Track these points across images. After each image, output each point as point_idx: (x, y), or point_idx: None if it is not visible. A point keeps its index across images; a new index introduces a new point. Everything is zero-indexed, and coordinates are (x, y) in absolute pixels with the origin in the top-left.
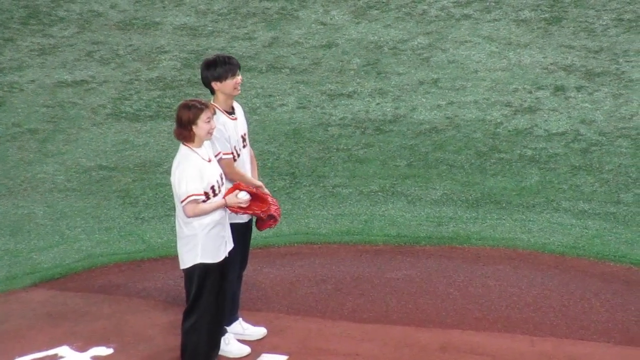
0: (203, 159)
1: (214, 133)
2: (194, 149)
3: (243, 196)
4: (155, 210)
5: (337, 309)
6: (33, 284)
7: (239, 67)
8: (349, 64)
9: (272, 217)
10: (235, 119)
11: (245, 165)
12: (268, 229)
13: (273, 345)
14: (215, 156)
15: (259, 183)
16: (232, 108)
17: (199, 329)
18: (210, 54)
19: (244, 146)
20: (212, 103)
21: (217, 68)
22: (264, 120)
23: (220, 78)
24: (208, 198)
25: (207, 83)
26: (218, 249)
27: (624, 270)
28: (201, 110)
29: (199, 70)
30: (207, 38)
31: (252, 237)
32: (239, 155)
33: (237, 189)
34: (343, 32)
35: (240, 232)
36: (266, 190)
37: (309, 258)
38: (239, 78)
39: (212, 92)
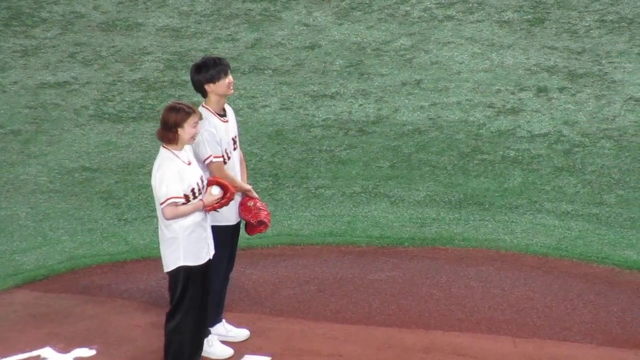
0: (183, 161)
1: (205, 135)
2: (174, 151)
3: (215, 191)
4: (138, 212)
5: (320, 310)
6: (16, 286)
7: (229, 67)
8: (331, 65)
9: (262, 223)
10: (227, 121)
11: (236, 168)
12: (258, 233)
13: (256, 346)
14: (206, 159)
15: (248, 187)
16: (224, 110)
17: (183, 331)
18: (194, 55)
19: (234, 149)
20: (205, 105)
21: (210, 70)
22: (247, 121)
23: (213, 79)
24: (188, 200)
25: (199, 86)
26: (200, 251)
27: (607, 271)
28: (189, 115)
29: (188, 74)
30: (190, 39)
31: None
32: (229, 158)
33: (209, 185)
34: (326, 33)
35: (229, 234)
36: (255, 194)
37: (292, 259)
38: (230, 77)
39: (204, 95)
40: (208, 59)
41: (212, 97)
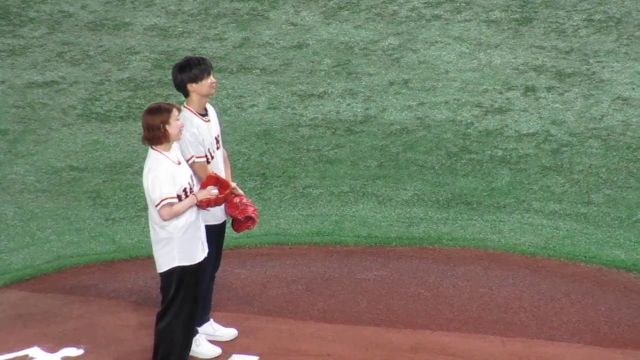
0: (173, 161)
1: (187, 137)
2: (163, 152)
3: (211, 188)
4: (126, 211)
5: (308, 310)
6: (3, 285)
7: (212, 67)
8: (319, 64)
9: (250, 219)
10: (209, 121)
11: (219, 166)
12: (245, 230)
13: (244, 346)
14: (188, 160)
15: (233, 184)
16: (206, 110)
17: (174, 330)
18: (181, 54)
19: (217, 148)
20: (186, 106)
21: (193, 70)
22: (235, 121)
23: (196, 79)
24: (180, 200)
25: (182, 86)
26: (194, 251)
27: (595, 270)
28: (169, 111)
29: (171, 74)
30: (178, 39)
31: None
32: (212, 157)
33: (206, 185)
34: (313, 32)
35: (215, 233)
36: (240, 192)
37: (279, 259)
38: (213, 78)
39: (186, 95)
40: (191, 58)
41: (194, 97)
